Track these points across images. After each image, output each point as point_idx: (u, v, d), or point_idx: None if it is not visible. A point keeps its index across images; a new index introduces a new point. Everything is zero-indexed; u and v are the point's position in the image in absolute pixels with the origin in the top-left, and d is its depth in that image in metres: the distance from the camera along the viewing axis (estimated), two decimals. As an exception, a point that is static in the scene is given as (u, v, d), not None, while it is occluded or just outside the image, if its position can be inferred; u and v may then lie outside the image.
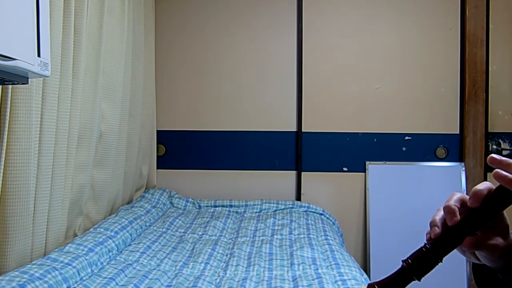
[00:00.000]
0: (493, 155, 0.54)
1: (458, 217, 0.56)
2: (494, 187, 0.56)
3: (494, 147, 2.61)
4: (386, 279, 0.58)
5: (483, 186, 0.56)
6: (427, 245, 0.58)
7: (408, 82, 2.65)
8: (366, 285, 0.59)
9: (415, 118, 2.65)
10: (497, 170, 0.53)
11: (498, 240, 0.57)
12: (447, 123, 2.65)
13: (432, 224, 0.58)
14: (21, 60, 0.96)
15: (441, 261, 0.57)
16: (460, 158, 2.65)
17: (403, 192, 2.61)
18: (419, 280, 0.57)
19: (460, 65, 2.64)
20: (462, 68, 2.63)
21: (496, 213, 0.56)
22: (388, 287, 0.58)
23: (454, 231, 0.56)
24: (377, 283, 0.58)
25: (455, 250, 0.59)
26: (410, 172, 2.63)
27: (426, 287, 2.74)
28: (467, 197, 0.57)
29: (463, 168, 2.60)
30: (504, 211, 0.58)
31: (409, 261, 0.58)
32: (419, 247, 0.59)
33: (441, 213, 0.58)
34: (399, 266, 0.59)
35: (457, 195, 0.58)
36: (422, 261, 0.57)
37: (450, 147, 2.65)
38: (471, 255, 0.61)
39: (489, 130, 2.62)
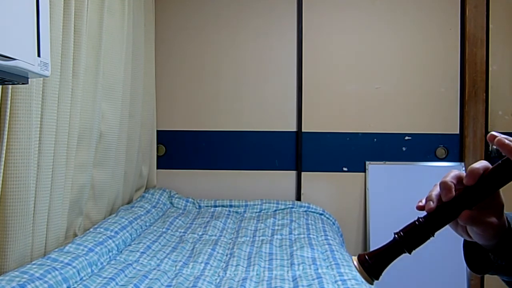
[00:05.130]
0: (494, 132, 0.54)
1: (454, 193, 0.56)
2: (490, 166, 0.56)
3: (494, 147, 2.61)
4: (377, 250, 0.59)
5: (480, 164, 0.56)
6: (420, 219, 0.58)
7: (408, 82, 2.65)
8: (357, 256, 0.59)
9: (415, 118, 2.65)
10: (499, 137, 0.53)
11: (493, 219, 0.58)
12: (447, 123, 2.65)
13: (428, 199, 0.58)
14: (21, 60, 0.96)
15: (433, 236, 0.57)
16: (460, 158, 2.65)
17: (403, 192, 2.61)
18: (410, 253, 0.58)
19: (460, 65, 2.64)
20: (462, 68, 2.63)
21: (491, 191, 0.56)
22: (378, 258, 0.58)
23: (447, 207, 0.57)
24: (368, 253, 0.58)
25: (447, 227, 0.59)
26: (410, 172, 2.63)
27: (427, 286, 2.73)
28: (464, 174, 0.57)
29: (463, 168, 2.60)
30: (501, 191, 0.58)
31: (401, 233, 0.58)
32: (412, 220, 0.59)
33: (437, 188, 0.59)
34: (391, 238, 0.59)
35: (455, 172, 0.58)
36: (414, 235, 0.58)
37: (450, 147, 2.65)
38: (463, 232, 0.61)
39: (489, 130, 2.62)
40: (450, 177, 0.58)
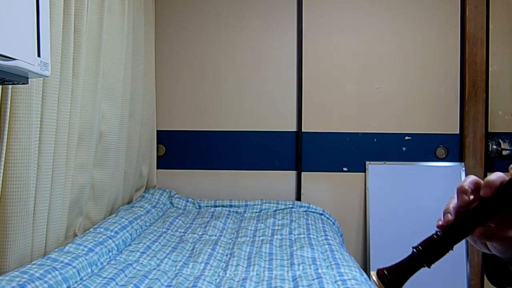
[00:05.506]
0: None
1: (470, 197, 0.56)
2: (507, 178, 0.56)
3: (494, 147, 2.61)
4: (396, 265, 0.58)
5: (496, 176, 0.55)
6: (438, 233, 0.57)
7: (408, 82, 2.66)
8: (376, 271, 0.59)
9: (415, 118, 2.65)
10: None
11: (511, 233, 0.57)
12: (447, 123, 2.65)
13: (445, 212, 0.57)
14: (21, 60, 0.96)
15: (452, 249, 0.57)
16: (460, 158, 2.65)
17: (403, 192, 2.61)
18: (429, 267, 0.57)
19: (460, 65, 2.64)
20: (462, 68, 2.63)
21: (509, 203, 0.55)
22: (397, 272, 0.57)
23: (466, 220, 0.56)
24: (387, 268, 0.58)
25: (466, 239, 0.58)
26: (410, 172, 2.63)
27: (427, 287, 2.74)
28: (482, 181, 0.57)
29: (463, 168, 2.60)
30: None
31: (420, 247, 0.57)
32: (430, 234, 0.58)
33: (455, 201, 0.58)
34: (410, 253, 0.58)
35: (472, 177, 0.58)
36: (433, 249, 0.57)
37: (450, 147, 2.65)
38: (482, 245, 0.60)
39: (489, 130, 2.62)
40: (468, 181, 0.57)
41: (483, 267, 0.65)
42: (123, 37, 2.08)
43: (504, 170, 0.56)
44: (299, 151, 2.68)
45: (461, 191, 0.56)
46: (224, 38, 2.69)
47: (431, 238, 0.58)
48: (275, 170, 2.70)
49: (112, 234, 1.77)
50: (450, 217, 0.56)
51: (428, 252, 0.57)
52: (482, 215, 0.56)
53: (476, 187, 0.57)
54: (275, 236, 2.03)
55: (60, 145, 1.59)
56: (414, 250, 0.58)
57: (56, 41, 1.49)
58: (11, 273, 1.25)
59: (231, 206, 2.52)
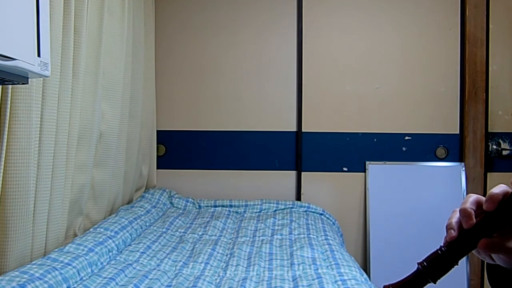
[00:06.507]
0: None
1: (474, 220, 0.55)
2: (510, 190, 0.55)
3: (494, 147, 2.61)
4: (401, 281, 0.58)
5: (499, 189, 0.55)
6: (442, 248, 0.57)
7: (408, 82, 2.66)
8: (382, 287, 0.59)
9: (415, 118, 2.65)
10: None
11: None
12: (447, 123, 2.65)
13: (448, 227, 0.57)
14: (21, 60, 0.96)
15: (457, 264, 0.57)
16: (460, 158, 2.65)
17: (403, 192, 2.61)
18: (435, 283, 0.57)
19: (460, 65, 2.64)
20: (462, 68, 2.63)
21: None
22: None
23: (470, 234, 0.56)
24: (393, 285, 0.58)
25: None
26: (410, 172, 2.63)
27: (426, 286, 2.74)
28: (483, 198, 0.56)
29: (463, 168, 2.60)
30: None
31: (425, 263, 0.57)
32: (434, 249, 0.58)
33: (457, 215, 0.57)
34: (414, 268, 0.58)
35: (473, 197, 0.57)
36: (438, 264, 0.57)
37: (450, 147, 2.65)
38: (486, 255, 0.60)
39: (489, 130, 2.62)
40: (469, 203, 0.56)
41: (488, 277, 0.65)
42: (123, 37, 2.08)
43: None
44: (299, 151, 2.68)
45: (464, 215, 0.56)
46: (224, 38, 2.69)
47: (435, 254, 0.57)
48: (275, 170, 2.70)
49: (112, 234, 1.77)
50: (453, 233, 0.56)
51: (433, 267, 0.57)
52: (486, 230, 0.55)
53: (478, 206, 0.57)
54: (275, 236, 2.03)
55: (60, 145, 1.59)
56: (419, 266, 0.58)
57: (56, 41, 1.49)
58: (11, 273, 1.25)
59: (231, 206, 2.52)
